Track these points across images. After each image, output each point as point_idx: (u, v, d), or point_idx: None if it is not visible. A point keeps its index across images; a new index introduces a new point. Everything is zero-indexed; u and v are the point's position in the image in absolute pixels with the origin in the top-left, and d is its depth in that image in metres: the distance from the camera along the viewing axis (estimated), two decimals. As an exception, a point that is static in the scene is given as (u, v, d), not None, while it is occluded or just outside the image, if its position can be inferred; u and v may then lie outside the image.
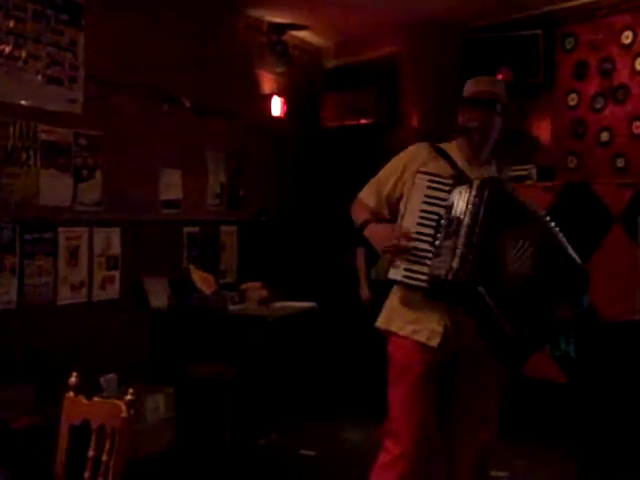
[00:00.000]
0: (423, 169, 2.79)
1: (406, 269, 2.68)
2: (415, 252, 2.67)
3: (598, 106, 5.61)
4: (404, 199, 2.83)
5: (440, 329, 2.76)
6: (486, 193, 2.64)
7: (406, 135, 6.50)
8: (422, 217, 2.70)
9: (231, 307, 5.38)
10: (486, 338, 2.66)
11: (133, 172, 5.08)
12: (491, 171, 2.95)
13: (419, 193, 2.73)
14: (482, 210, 2.63)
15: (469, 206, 2.64)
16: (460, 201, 2.66)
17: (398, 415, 2.83)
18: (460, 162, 2.89)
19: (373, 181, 3.06)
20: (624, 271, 4.76)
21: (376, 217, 2.92)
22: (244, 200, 6.30)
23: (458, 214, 2.65)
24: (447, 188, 2.70)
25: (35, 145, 4.36)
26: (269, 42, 6.42)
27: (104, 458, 2.18)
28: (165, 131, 5.34)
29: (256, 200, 6.36)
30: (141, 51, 5.08)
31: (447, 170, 2.82)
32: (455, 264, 2.60)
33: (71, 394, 2.35)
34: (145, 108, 5.14)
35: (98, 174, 4.79)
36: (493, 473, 4.29)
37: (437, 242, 2.65)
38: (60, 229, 4.53)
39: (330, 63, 7.32)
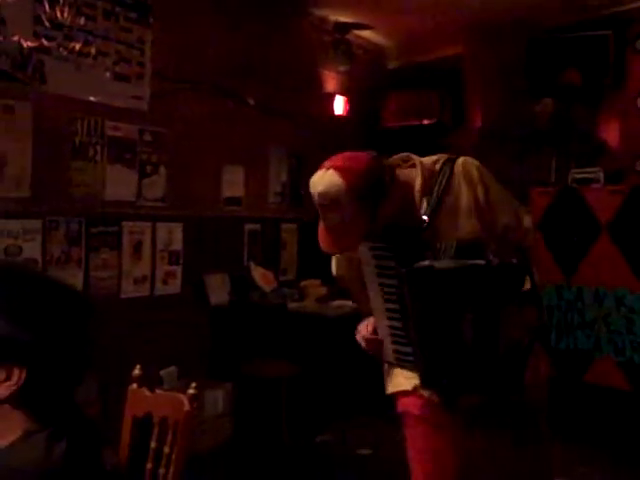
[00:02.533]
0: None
1: (394, 351, 2.44)
2: (393, 331, 2.40)
3: (668, 109, 5.48)
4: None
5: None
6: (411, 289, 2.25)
7: (469, 135, 6.46)
8: (384, 292, 2.37)
9: (290, 304, 5.39)
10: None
11: (196, 169, 5.13)
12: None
13: (368, 267, 2.39)
14: (417, 306, 2.26)
15: (410, 302, 2.27)
16: (400, 297, 2.30)
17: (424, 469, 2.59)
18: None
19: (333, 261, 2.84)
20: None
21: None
22: (305, 198, 6.31)
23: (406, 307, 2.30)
24: (390, 255, 2.31)
25: (102, 141, 4.43)
26: (333, 41, 6.43)
27: (166, 450, 2.20)
28: (228, 129, 5.38)
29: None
30: (207, 49, 5.13)
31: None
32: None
33: (134, 386, 2.38)
34: (209, 106, 5.19)
35: (162, 170, 4.85)
36: (555, 480, 4.23)
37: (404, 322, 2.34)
38: (124, 223, 4.60)
39: (393, 63, 7.29)
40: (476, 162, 2.43)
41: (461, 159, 2.41)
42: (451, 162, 2.39)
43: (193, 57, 5.02)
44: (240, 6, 5.42)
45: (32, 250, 4.02)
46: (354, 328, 2.77)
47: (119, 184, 4.55)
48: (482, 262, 2.20)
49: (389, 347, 2.46)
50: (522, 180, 5.63)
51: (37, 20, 4.00)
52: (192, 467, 2.31)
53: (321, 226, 2.39)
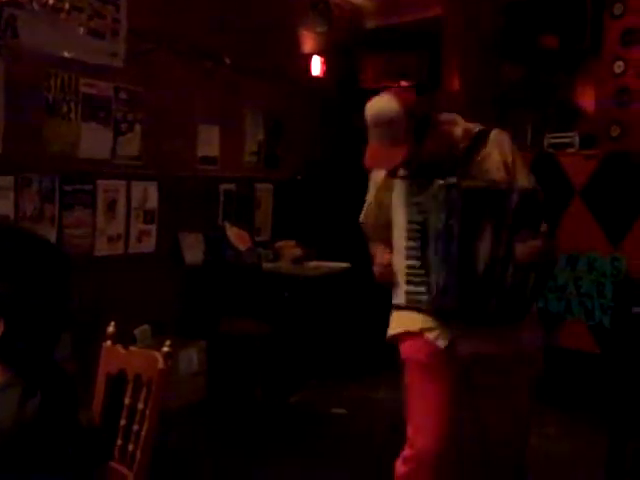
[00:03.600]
0: (401, 174, 2.65)
1: (406, 292, 2.62)
2: (410, 271, 2.58)
3: (645, 75, 5.49)
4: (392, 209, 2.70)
5: (448, 330, 2.62)
6: (446, 195, 2.49)
7: (447, 98, 6.44)
8: (408, 229, 2.59)
9: (265, 264, 5.41)
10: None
11: (172, 128, 5.09)
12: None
13: (400, 201, 2.63)
14: (448, 214, 2.48)
15: (434, 213, 2.51)
16: (430, 208, 2.52)
17: (419, 410, 2.73)
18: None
19: (364, 219, 2.99)
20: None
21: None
22: (281, 159, 6.30)
23: (429, 224, 2.52)
24: (423, 191, 2.56)
25: (76, 98, 4.38)
26: (311, 1, 6.36)
27: (140, 407, 2.21)
28: (205, 88, 5.34)
29: (293, 159, 6.35)
30: (184, 8, 5.05)
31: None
32: (439, 295, 2.52)
33: (109, 343, 2.39)
34: (186, 64, 5.14)
35: (137, 128, 4.81)
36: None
37: (421, 256, 2.55)
38: (99, 182, 4.56)
39: (371, 24, 7.22)
40: (507, 135, 2.73)
41: (496, 129, 2.72)
42: (488, 130, 2.70)
43: (170, 15, 4.94)
44: (218, -37, 5.35)
45: (4, 207, 3.97)
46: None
47: (94, 142, 4.51)
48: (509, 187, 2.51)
49: (402, 288, 2.62)
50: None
51: (9, -27, 3.93)
52: (166, 424, 2.33)
53: (370, 146, 2.62)
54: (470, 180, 2.54)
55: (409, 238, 2.57)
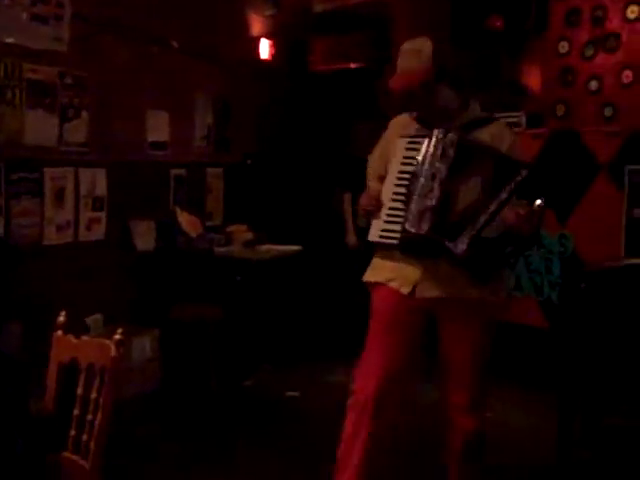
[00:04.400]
0: (403, 133, 2.89)
1: (382, 230, 2.79)
2: (391, 212, 2.78)
3: (588, 54, 5.57)
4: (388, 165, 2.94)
5: (413, 277, 2.81)
6: (442, 142, 2.70)
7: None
8: (398, 178, 2.80)
9: (217, 249, 5.39)
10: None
11: (120, 113, 5.04)
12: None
13: (398, 155, 2.83)
14: (440, 159, 2.69)
15: (427, 158, 2.71)
16: (424, 154, 2.73)
17: (368, 357, 2.92)
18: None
19: (369, 160, 3.20)
20: (609, 219, 4.81)
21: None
22: (231, 143, 6.27)
23: (420, 168, 2.72)
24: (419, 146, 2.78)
25: (20, 84, 4.30)
26: (258, -17, 6.33)
27: (93, 396, 2.21)
28: (152, 72, 5.28)
29: (243, 143, 6.33)
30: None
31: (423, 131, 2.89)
32: (415, 220, 2.68)
33: (60, 333, 2.37)
34: (132, 48, 5.08)
35: (84, 114, 4.75)
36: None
37: (405, 199, 2.74)
38: (46, 169, 4.50)
39: (319, 7, 7.19)
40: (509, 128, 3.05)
41: (501, 121, 3.05)
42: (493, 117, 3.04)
43: (115, -2, 4.88)
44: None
45: (-51, 197, 3.91)
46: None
47: (39, 129, 4.44)
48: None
49: (380, 226, 2.80)
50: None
51: (-52, -43, 3.84)
52: (121, 413, 2.32)
53: (397, 73, 2.86)
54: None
55: (397, 185, 2.79)
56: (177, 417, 4.50)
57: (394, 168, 2.85)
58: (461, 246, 2.60)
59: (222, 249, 5.45)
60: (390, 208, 2.79)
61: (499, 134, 2.86)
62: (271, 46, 6.60)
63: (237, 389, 4.99)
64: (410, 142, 2.82)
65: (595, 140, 4.94)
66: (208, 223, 5.87)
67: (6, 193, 4.22)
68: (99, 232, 4.92)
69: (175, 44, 5.45)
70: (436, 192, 2.67)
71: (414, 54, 2.84)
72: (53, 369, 2.34)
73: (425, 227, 2.66)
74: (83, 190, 4.77)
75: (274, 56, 6.63)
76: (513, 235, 2.64)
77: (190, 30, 5.56)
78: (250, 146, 6.38)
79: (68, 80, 4.61)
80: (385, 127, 3.11)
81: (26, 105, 4.34)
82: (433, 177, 2.69)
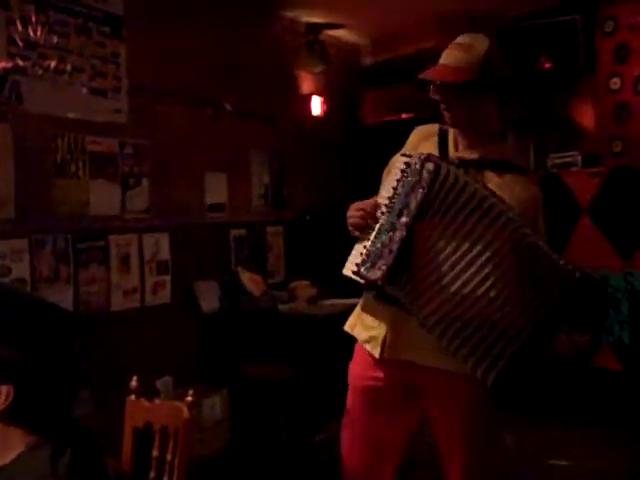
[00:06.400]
0: (407, 152, 2.43)
1: (356, 264, 2.33)
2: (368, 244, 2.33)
3: (641, 88, 5.53)
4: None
5: (380, 336, 2.42)
6: (421, 172, 2.23)
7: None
8: (385, 205, 2.33)
9: (281, 307, 5.42)
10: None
11: (178, 177, 5.16)
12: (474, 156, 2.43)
13: (391, 178, 2.36)
14: (411, 191, 2.23)
15: (401, 189, 2.26)
16: (403, 183, 2.27)
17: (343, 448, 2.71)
18: (454, 147, 2.48)
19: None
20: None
21: None
22: (288, 200, 6.35)
23: (395, 199, 2.29)
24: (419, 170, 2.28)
25: (83, 156, 4.45)
26: (306, 42, 6.45)
27: (168, 458, 2.23)
28: (208, 135, 5.41)
29: (300, 199, 6.40)
30: (181, 58, 5.14)
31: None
32: (370, 263, 2.27)
33: (133, 397, 2.41)
34: (187, 114, 5.21)
35: (145, 181, 4.87)
36: (552, 462, 4.30)
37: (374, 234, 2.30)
38: (110, 237, 4.61)
39: (368, 60, 7.33)
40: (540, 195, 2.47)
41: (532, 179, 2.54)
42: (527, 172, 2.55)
43: (167, 67, 5.03)
44: (210, 14, 5.43)
45: (21, 270, 4.03)
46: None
47: (103, 198, 4.57)
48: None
49: (356, 258, 2.35)
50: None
51: (11, 41, 4.02)
52: (194, 474, 2.34)
53: (436, 65, 2.41)
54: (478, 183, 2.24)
55: (381, 213, 2.34)
56: (250, 475, 4.49)
57: (383, 192, 2.38)
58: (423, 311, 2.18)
59: (286, 306, 5.48)
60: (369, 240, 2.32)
61: (511, 185, 2.33)
62: (322, 102, 6.70)
63: (308, 445, 4.96)
64: (406, 164, 2.31)
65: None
66: (270, 281, 5.92)
67: (74, 262, 4.34)
68: (165, 295, 5.00)
69: (228, 106, 5.57)
70: (399, 233, 2.22)
71: (463, 48, 2.36)
72: (128, 433, 2.37)
73: (377, 274, 2.24)
74: (147, 255, 4.88)
75: (326, 112, 6.73)
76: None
77: (242, 92, 5.69)
78: (308, 202, 6.45)
79: (128, 149, 4.75)
80: None
81: (89, 176, 4.48)
82: (400, 213, 2.24)
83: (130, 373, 2.49)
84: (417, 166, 2.24)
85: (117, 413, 2.47)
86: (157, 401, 2.42)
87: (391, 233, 2.23)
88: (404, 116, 6.86)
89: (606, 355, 5.02)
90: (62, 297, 4.22)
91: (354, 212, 2.43)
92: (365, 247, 2.31)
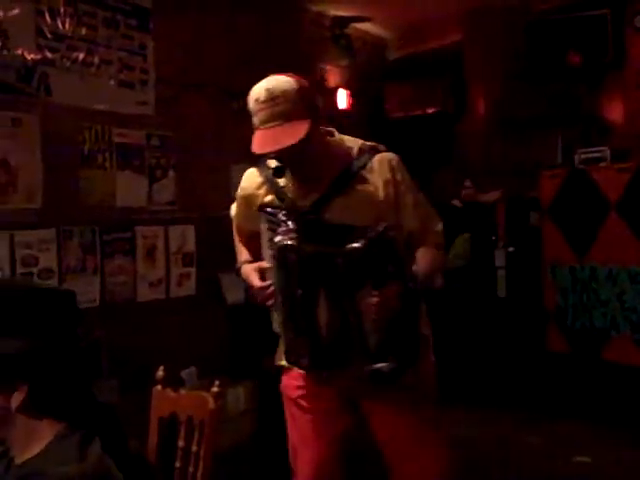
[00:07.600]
0: (262, 202, 2.52)
1: (285, 354, 2.51)
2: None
3: (671, 84, 5.47)
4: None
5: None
6: (287, 259, 2.31)
7: (474, 122, 6.47)
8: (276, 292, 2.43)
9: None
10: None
11: (204, 170, 5.16)
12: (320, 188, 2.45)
13: (264, 236, 2.45)
14: (291, 279, 2.32)
15: (282, 276, 2.35)
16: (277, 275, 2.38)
17: (294, 444, 2.75)
18: (291, 184, 2.54)
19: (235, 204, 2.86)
20: None
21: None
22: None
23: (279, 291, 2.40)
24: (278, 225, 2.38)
25: (110, 148, 4.47)
26: (333, 36, 6.45)
27: (194, 448, 2.24)
28: (234, 128, 5.40)
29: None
30: (208, 51, 5.15)
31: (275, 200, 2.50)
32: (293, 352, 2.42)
33: (159, 387, 2.43)
34: (214, 106, 5.22)
35: (171, 174, 4.89)
36: (578, 458, 4.28)
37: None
38: (137, 229, 4.64)
39: (394, 54, 7.30)
40: (395, 160, 2.51)
41: (380, 155, 2.52)
42: (371, 153, 2.53)
43: (195, 59, 5.04)
44: (236, 7, 5.43)
45: (48, 260, 4.06)
46: None
47: (130, 190, 4.59)
48: (344, 249, 2.21)
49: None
50: (529, 163, 5.66)
51: (39, 32, 4.04)
52: (218, 464, 2.35)
53: (259, 131, 2.40)
54: (308, 244, 2.29)
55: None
56: (274, 467, 4.49)
57: (265, 252, 2.46)
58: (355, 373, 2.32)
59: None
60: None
61: (384, 175, 2.44)
62: (348, 96, 6.69)
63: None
64: (270, 222, 2.39)
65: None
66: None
67: (101, 253, 4.37)
68: (190, 287, 5.02)
69: (255, 100, 5.57)
70: (299, 318, 2.34)
71: (282, 102, 2.38)
72: (154, 423, 2.39)
73: (305, 363, 2.40)
74: (173, 247, 4.90)
75: (352, 105, 6.71)
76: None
77: (269, 85, 5.68)
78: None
79: (155, 141, 4.77)
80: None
81: (116, 168, 4.50)
82: (291, 299, 2.34)
83: (155, 363, 2.51)
84: (281, 259, 2.31)
85: (143, 403, 2.49)
86: (183, 391, 2.43)
87: (293, 324, 2.36)
88: (430, 110, 6.85)
89: (632, 352, 4.97)
90: (89, 288, 4.26)
91: (256, 294, 2.56)
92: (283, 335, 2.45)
